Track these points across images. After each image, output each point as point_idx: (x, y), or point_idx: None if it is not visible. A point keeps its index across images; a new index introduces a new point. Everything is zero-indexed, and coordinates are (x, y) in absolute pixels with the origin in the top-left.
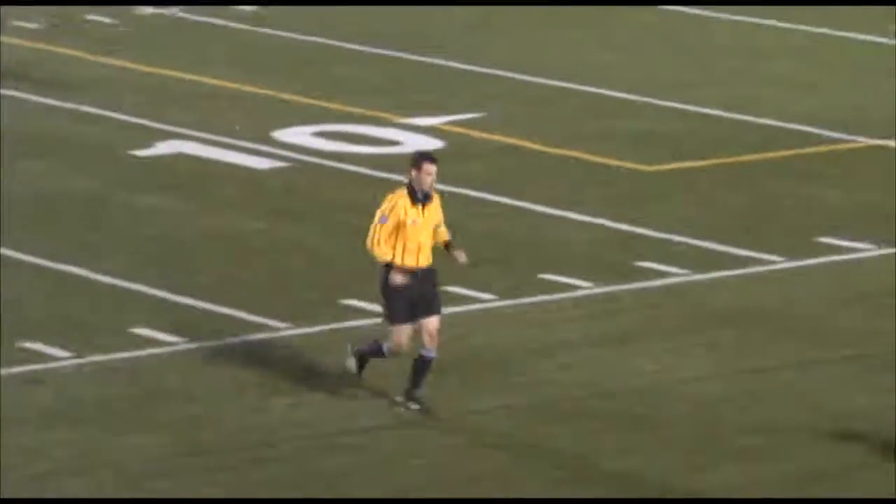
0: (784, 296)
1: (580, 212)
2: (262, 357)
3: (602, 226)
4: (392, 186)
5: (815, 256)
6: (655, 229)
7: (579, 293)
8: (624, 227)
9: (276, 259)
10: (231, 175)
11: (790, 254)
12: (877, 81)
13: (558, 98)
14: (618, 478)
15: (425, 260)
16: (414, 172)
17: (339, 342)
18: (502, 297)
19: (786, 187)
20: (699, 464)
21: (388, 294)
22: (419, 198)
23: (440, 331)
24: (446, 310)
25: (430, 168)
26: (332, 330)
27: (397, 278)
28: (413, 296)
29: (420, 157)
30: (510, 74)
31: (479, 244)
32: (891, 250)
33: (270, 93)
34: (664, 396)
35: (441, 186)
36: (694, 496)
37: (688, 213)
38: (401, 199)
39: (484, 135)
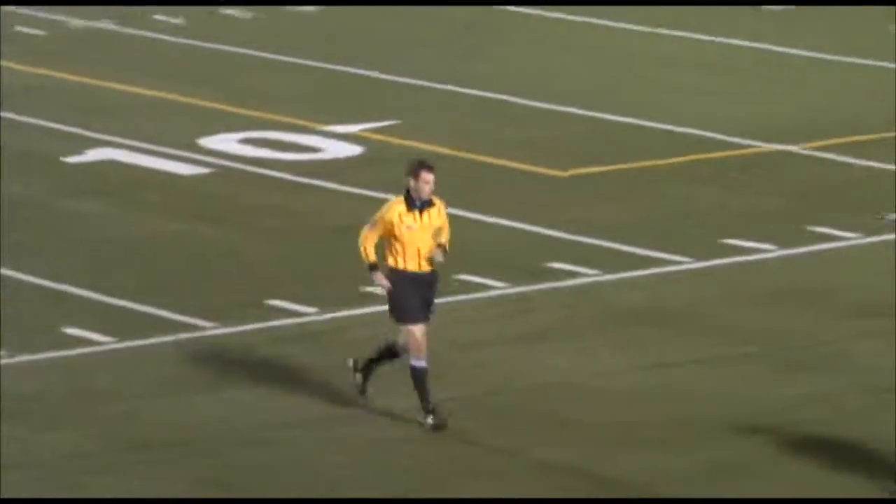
0: (690, 295)
1: (495, 215)
2: (190, 355)
3: (515, 228)
4: (313, 191)
5: (720, 257)
6: (567, 231)
7: (494, 293)
8: (536, 229)
9: (203, 261)
10: (160, 181)
11: (696, 255)
12: (780, 88)
13: (474, 105)
14: (543, 471)
15: (427, 264)
16: (411, 181)
17: (265, 341)
18: None
19: (692, 191)
20: (615, 458)
21: (397, 295)
22: (416, 204)
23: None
24: (366, 309)
25: (427, 176)
26: (257, 329)
27: (380, 281)
28: (416, 299)
29: (416, 166)
30: (427, 83)
31: None
32: (793, 251)
33: (196, 101)
34: (578, 393)
35: (360, 191)
36: (617, 491)
37: (598, 216)
38: (397, 205)
39: (401, 141)
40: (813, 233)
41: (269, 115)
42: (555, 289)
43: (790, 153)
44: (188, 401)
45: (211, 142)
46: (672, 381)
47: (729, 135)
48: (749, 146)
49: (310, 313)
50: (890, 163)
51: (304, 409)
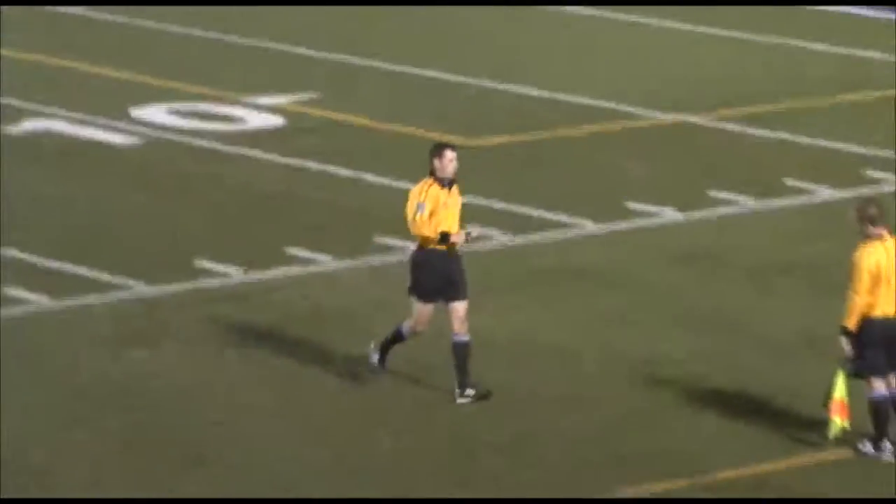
0: (598, 256)
1: (408, 181)
2: (124, 314)
3: None
4: (237, 159)
5: (624, 220)
6: (479, 197)
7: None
8: None
9: (134, 224)
10: (94, 150)
11: (603, 218)
12: (681, 62)
13: (389, 79)
14: (453, 423)
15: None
16: (436, 161)
17: (193, 300)
18: (339, 258)
19: (597, 159)
20: (528, 409)
21: (418, 271)
22: (445, 183)
23: (468, 315)
24: (289, 270)
25: (451, 154)
26: (186, 289)
27: (460, 238)
28: (442, 277)
29: (441, 147)
30: (344, 57)
31: (317, 211)
32: (693, 214)
33: (129, 75)
34: (494, 350)
35: (282, 159)
36: (529, 445)
37: (509, 183)
38: (431, 186)
39: (321, 112)
40: (712, 197)
41: (196, 88)
42: (470, 251)
43: (691, 123)
44: (124, 357)
45: (142, 113)
46: (585, 337)
47: (633, 106)
48: (652, 117)
49: (237, 274)
50: (782, 132)
51: (234, 362)
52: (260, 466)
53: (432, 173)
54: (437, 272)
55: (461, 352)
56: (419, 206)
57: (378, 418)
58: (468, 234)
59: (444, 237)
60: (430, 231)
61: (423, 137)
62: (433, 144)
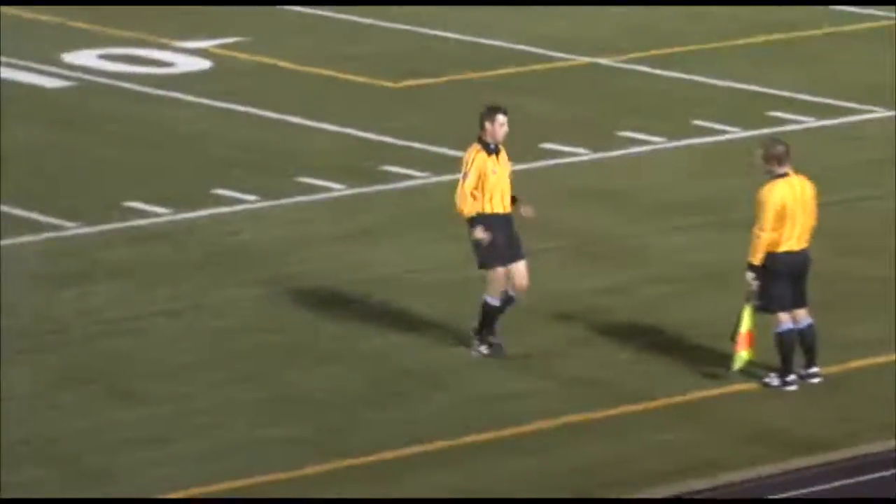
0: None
1: (332, 123)
2: (56, 254)
3: (351, 135)
4: (166, 102)
5: (539, 160)
6: (398, 138)
7: (333, 194)
8: (370, 136)
9: (66, 166)
10: (26, 93)
11: (517, 158)
12: (587, 6)
13: (315, 24)
14: (373, 357)
15: (510, 205)
16: (487, 125)
17: (123, 239)
18: (264, 198)
19: (514, 100)
20: (446, 341)
21: (481, 244)
22: (493, 149)
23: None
24: (215, 210)
25: (503, 119)
26: (116, 228)
27: (482, 234)
28: (506, 238)
29: (492, 111)
30: (270, 5)
31: (242, 152)
32: (604, 154)
33: (61, 20)
34: (410, 285)
35: (209, 102)
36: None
37: (427, 124)
38: (477, 153)
39: (248, 56)
40: (623, 137)
41: (126, 33)
42: (388, 190)
43: (603, 66)
44: (58, 295)
45: (73, 57)
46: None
47: (547, 49)
48: (565, 59)
49: (165, 214)
50: (692, 74)
51: (162, 299)
52: (187, 399)
53: (480, 138)
54: (498, 238)
55: (505, 306)
56: (464, 175)
57: (299, 350)
58: (482, 237)
59: (473, 221)
60: (466, 210)
61: (347, 80)
62: (485, 107)
